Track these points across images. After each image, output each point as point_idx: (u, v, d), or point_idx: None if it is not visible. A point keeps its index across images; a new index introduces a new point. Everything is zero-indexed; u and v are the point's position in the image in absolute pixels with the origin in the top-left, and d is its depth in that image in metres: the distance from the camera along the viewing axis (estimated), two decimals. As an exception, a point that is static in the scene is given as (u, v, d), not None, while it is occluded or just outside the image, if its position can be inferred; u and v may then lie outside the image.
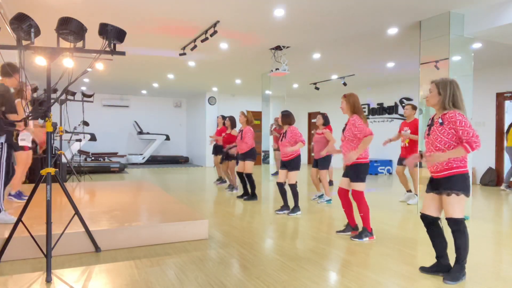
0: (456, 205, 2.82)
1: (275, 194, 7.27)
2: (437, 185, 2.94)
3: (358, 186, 4.02)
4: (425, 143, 3.05)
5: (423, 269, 3.10)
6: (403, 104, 11.06)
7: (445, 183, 2.86)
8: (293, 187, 5.40)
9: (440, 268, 3.02)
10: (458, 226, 2.82)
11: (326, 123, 6.57)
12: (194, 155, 15.24)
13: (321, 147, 6.38)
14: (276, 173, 10.34)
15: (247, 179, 6.56)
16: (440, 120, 2.87)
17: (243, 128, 6.69)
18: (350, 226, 4.30)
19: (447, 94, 2.85)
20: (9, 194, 5.23)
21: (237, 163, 7.30)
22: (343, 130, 4.19)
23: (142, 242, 3.80)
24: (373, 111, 12.18)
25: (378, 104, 12.06)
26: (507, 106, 8.75)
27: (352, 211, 4.23)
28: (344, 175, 4.17)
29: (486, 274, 3.09)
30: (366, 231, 4.05)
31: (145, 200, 5.46)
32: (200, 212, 5.47)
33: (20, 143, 5.07)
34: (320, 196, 6.56)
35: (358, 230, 4.27)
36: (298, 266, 3.23)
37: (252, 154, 6.54)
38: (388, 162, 11.36)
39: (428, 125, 3.04)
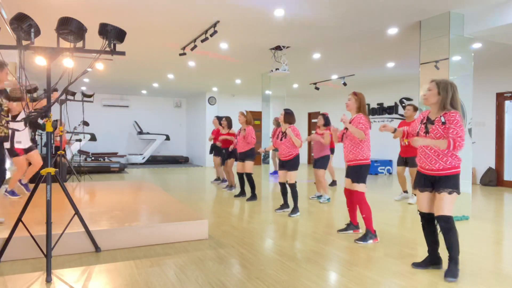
0: (450, 203, 2.93)
1: (275, 194, 7.27)
2: (431, 183, 3.03)
3: (359, 187, 4.00)
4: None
5: (416, 265, 3.21)
6: (403, 104, 11.06)
7: (444, 182, 2.94)
8: (293, 186, 5.32)
9: (432, 261, 3.17)
10: (449, 223, 2.92)
11: (327, 123, 6.49)
12: (194, 155, 15.25)
13: (321, 147, 6.33)
14: (274, 172, 10.35)
15: (247, 179, 6.49)
16: (442, 119, 2.94)
17: (244, 127, 6.56)
18: (352, 224, 4.32)
19: (448, 96, 2.94)
20: (5, 191, 5.36)
21: (236, 160, 7.26)
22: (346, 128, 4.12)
23: (142, 242, 3.80)
24: (373, 111, 12.18)
25: (378, 104, 12.06)
26: (507, 106, 8.75)
27: (355, 209, 4.23)
28: (346, 175, 4.16)
29: (486, 274, 3.09)
30: (370, 233, 3.97)
31: (145, 200, 5.46)
32: (200, 212, 5.47)
33: (16, 146, 5.07)
34: (319, 197, 6.55)
35: (359, 229, 4.30)
36: (298, 266, 3.23)
37: (252, 154, 6.49)
38: (388, 162, 11.36)
39: (423, 123, 3.08)
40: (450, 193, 2.92)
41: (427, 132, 3.01)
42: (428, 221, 3.13)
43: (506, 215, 5.57)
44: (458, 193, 2.95)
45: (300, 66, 8.93)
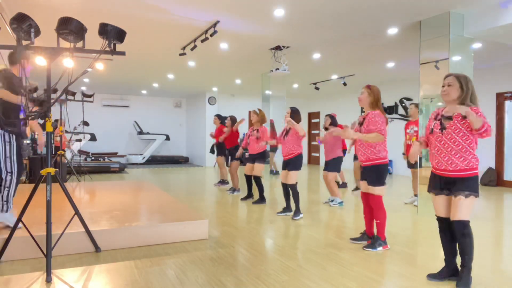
0: (468, 207, 2.74)
1: (276, 195, 7.26)
2: (448, 185, 2.83)
3: (377, 190, 3.68)
4: (436, 140, 2.85)
5: (432, 276, 2.96)
6: (403, 104, 11.06)
7: (460, 184, 2.75)
8: (293, 187, 5.10)
9: (450, 273, 2.93)
10: (466, 228, 2.75)
11: (334, 124, 6.31)
12: (194, 155, 15.25)
13: (330, 148, 6.12)
14: (271, 171, 10.33)
15: (255, 182, 6.25)
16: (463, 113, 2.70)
17: (257, 127, 6.33)
18: (367, 235, 3.93)
19: (469, 91, 2.78)
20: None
21: (241, 163, 7.05)
22: (360, 124, 3.77)
23: (142, 242, 3.80)
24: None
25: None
26: (507, 106, 8.75)
27: (373, 218, 3.87)
28: (362, 177, 3.83)
29: (487, 275, 3.09)
30: (380, 240, 3.72)
31: (145, 200, 5.46)
32: (200, 212, 5.46)
33: None
34: (333, 200, 6.18)
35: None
36: (298, 266, 3.23)
37: (263, 157, 6.27)
38: (389, 162, 11.33)
39: (438, 120, 2.87)
40: (467, 196, 2.71)
41: (443, 128, 2.80)
42: (447, 226, 2.91)
43: (506, 215, 5.57)
44: (477, 196, 2.74)
45: (300, 66, 8.93)
